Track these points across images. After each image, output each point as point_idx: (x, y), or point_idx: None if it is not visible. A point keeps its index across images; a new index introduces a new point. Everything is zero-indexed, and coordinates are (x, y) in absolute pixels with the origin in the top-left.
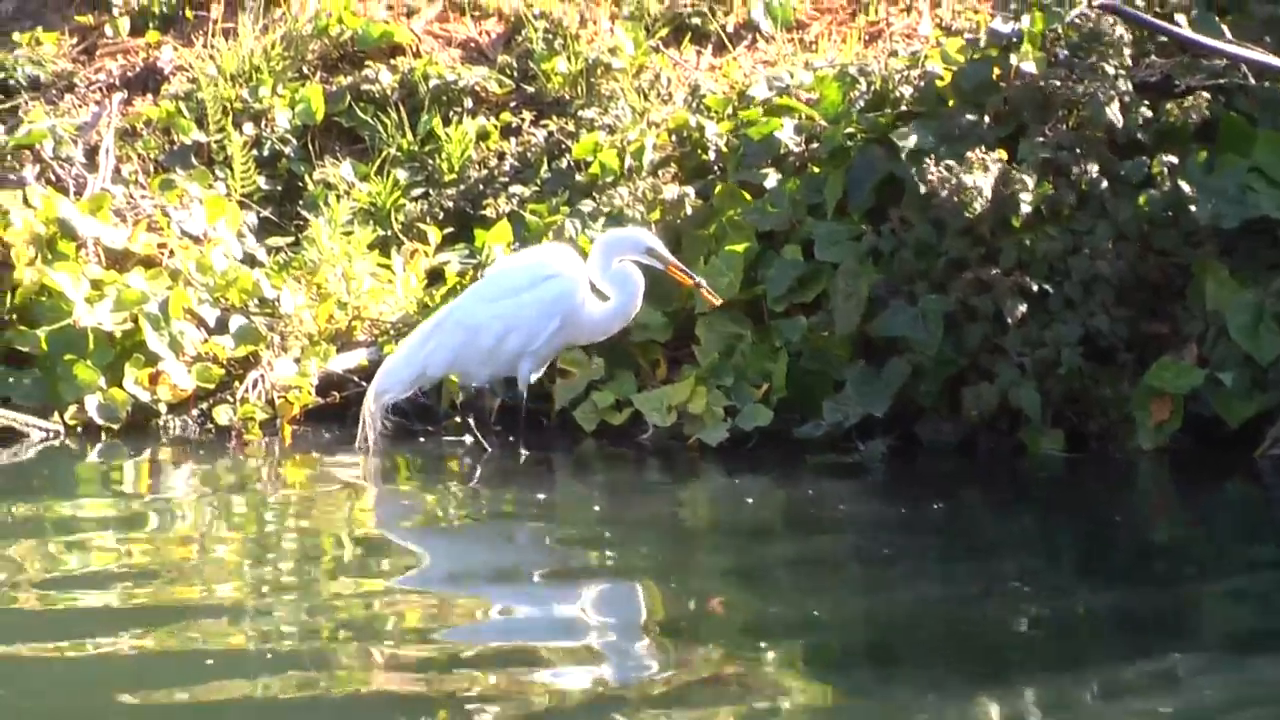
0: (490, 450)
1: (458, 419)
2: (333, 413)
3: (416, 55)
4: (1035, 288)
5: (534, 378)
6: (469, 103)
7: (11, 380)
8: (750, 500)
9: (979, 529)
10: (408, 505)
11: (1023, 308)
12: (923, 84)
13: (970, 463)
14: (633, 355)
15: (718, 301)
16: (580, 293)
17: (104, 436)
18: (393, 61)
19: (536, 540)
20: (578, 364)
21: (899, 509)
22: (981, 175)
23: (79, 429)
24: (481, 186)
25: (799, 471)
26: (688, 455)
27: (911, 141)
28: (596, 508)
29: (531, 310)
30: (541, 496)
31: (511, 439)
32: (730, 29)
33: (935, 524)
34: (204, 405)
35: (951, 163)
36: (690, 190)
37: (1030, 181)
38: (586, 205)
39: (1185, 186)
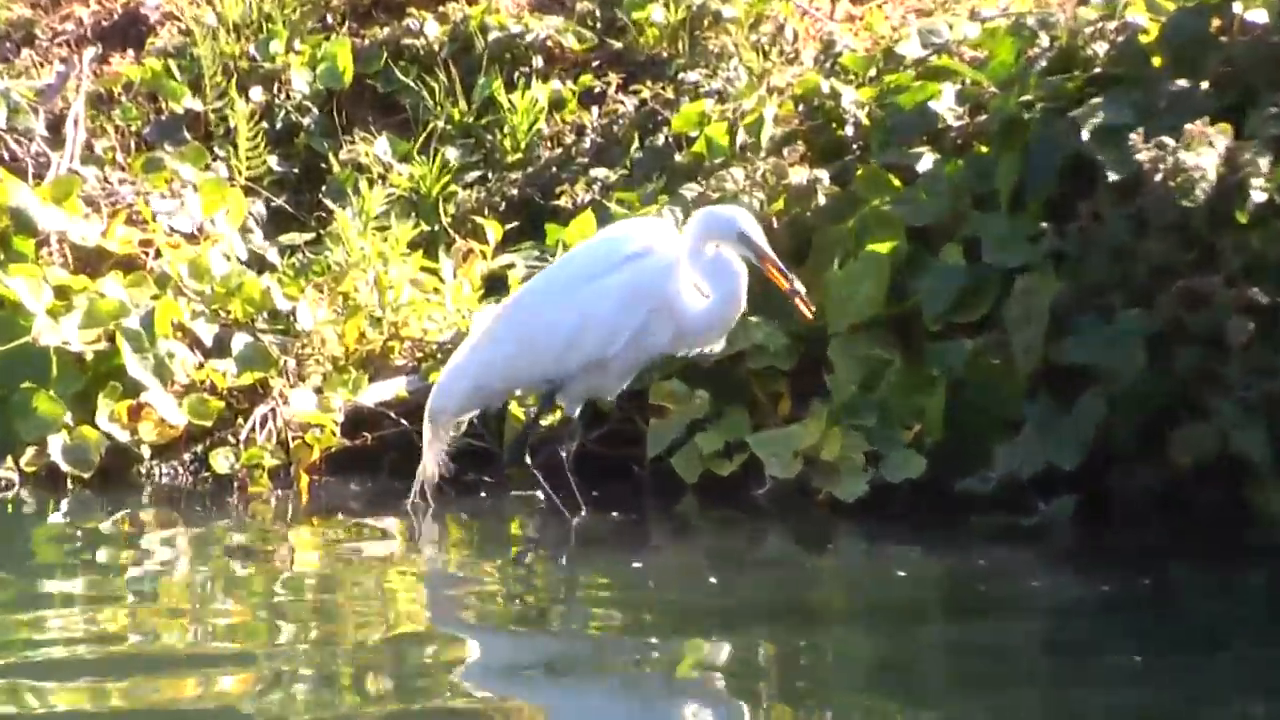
0: (579, 512)
1: (524, 464)
2: (363, 459)
3: (471, 1)
4: (1265, 301)
5: (577, 408)
6: (539, 62)
7: None
8: (900, 574)
9: (1194, 614)
10: (458, 584)
11: (1249, 327)
12: (1121, 40)
13: (1180, 526)
14: (747, 387)
15: (810, 315)
16: (676, 277)
17: (71, 487)
18: (441, 9)
19: (620, 631)
20: (676, 398)
21: (1091, 587)
22: (1207, 152)
23: (39, 477)
24: (554, 169)
25: (961, 536)
26: (817, 515)
27: (1105, 113)
28: (699, 586)
29: (611, 300)
30: (628, 571)
31: (595, 493)
32: None
33: (1137, 607)
34: (198, 448)
35: (1166, 139)
36: (822, 175)
37: (1264, 164)
38: (689, 191)
39: None
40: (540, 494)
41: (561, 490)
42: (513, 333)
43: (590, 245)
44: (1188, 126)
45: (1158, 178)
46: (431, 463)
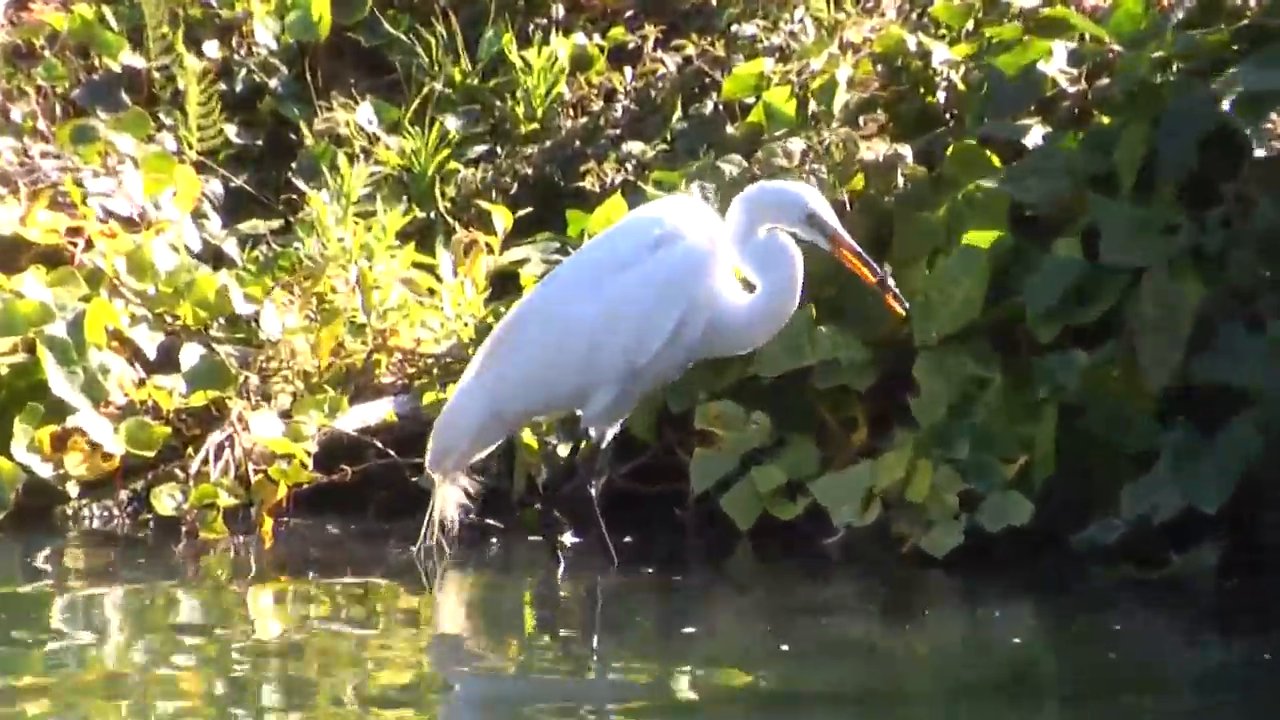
0: (610, 565)
1: (538, 506)
2: (341, 498)
3: None
4: None
5: (610, 431)
6: (559, 11)
7: None
8: (1006, 644)
9: None
10: (458, 659)
11: None
12: None
13: None
14: (815, 410)
15: (903, 311)
16: (714, 266)
17: None
18: None
19: (659, 713)
20: (727, 422)
21: (1241, 655)
22: None
23: None
24: (578, 143)
25: (1080, 594)
26: (900, 571)
27: (1253, 76)
28: (756, 664)
29: (640, 295)
30: (667, 645)
31: (627, 539)
32: None
33: None
34: (138, 484)
35: None
36: (907, 150)
37: None
38: (729, 166)
39: None
40: (565, 539)
41: (588, 536)
42: (527, 343)
43: (612, 233)
44: None
45: None
46: (449, 507)
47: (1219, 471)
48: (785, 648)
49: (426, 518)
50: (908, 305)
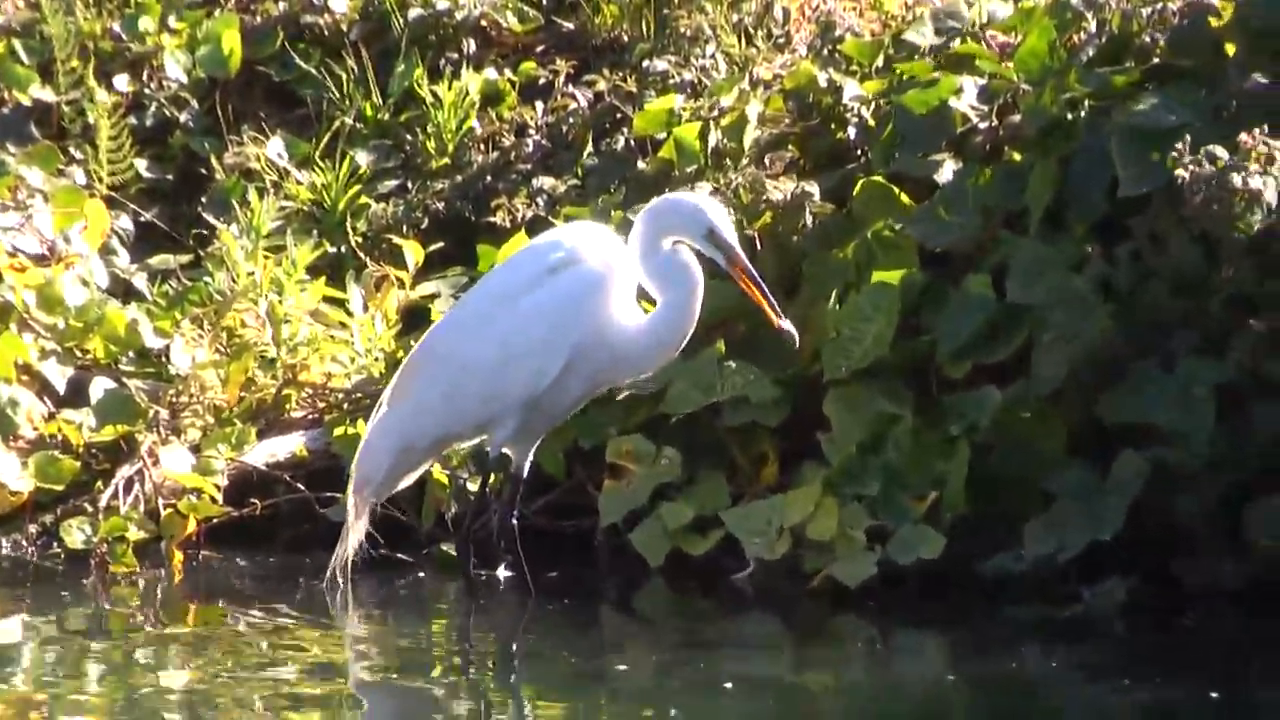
0: (529, 597)
1: (446, 547)
2: (251, 532)
3: None
4: None
5: (527, 458)
6: (470, 46)
7: None
8: (914, 680)
9: None
10: (369, 693)
11: None
12: (1186, 23)
13: (1261, 620)
14: (725, 446)
15: (796, 342)
16: (611, 290)
17: None
18: None
19: None
20: (638, 457)
21: (1149, 696)
22: (1258, 172)
23: None
24: (489, 178)
25: (989, 632)
26: (810, 604)
27: (1163, 114)
28: (665, 700)
29: (535, 323)
30: (576, 680)
31: (544, 574)
32: None
33: None
34: (47, 518)
35: (1216, 150)
36: (815, 188)
37: None
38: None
39: None
40: (500, 572)
41: (504, 570)
42: (430, 376)
43: (510, 261)
44: (1241, 137)
45: (1197, 199)
46: (352, 541)
47: (1114, 502)
48: (691, 687)
49: (337, 549)
50: (799, 339)
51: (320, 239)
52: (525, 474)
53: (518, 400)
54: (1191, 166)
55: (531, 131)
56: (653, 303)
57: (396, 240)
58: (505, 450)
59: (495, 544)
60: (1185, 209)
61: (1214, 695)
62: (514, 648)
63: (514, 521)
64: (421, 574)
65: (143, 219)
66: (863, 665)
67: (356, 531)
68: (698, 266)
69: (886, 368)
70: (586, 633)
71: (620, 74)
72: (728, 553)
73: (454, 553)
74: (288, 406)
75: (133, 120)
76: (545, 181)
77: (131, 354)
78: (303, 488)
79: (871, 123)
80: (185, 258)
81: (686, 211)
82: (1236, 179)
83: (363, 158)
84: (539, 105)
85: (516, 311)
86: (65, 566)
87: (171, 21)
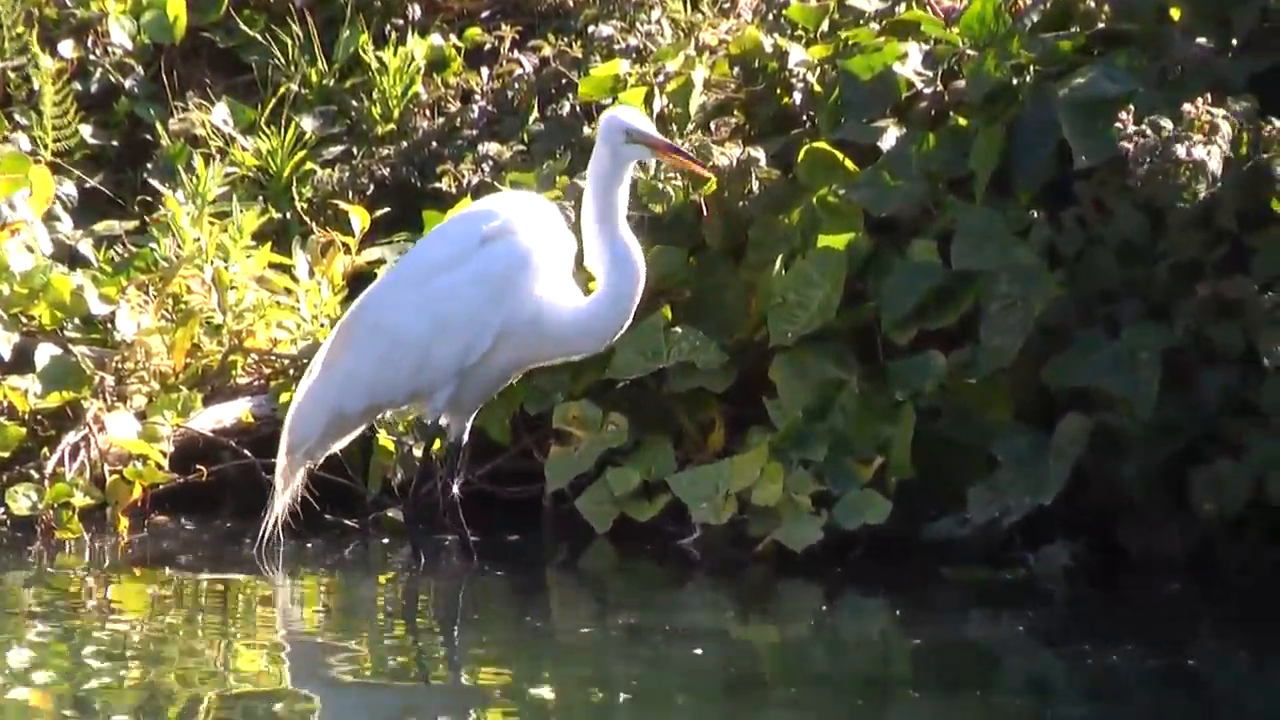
0: (470, 562)
1: (392, 513)
2: (197, 498)
3: None
4: None
5: (465, 426)
6: (415, 12)
7: None
8: (857, 644)
9: (1218, 698)
10: (316, 652)
11: None
12: None
13: (1205, 587)
14: (672, 412)
15: (706, 173)
16: (544, 263)
17: None
18: None
19: (505, 716)
20: (584, 423)
21: (1091, 660)
22: (1202, 141)
23: None
24: (434, 144)
25: (933, 595)
26: (756, 570)
27: (1107, 83)
28: (606, 659)
29: (465, 294)
30: (521, 639)
31: (479, 539)
32: None
33: (1148, 686)
34: None
35: (1161, 120)
36: (761, 154)
37: None
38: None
39: None
40: (418, 538)
41: (447, 535)
42: (361, 344)
43: (442, 229)
44: (1185, 106)
45: (1142, 169)
46: (281, 503)
47: (1055, 466)
48: (636, 644)
49: (266, 511)
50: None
51: (266, 205)
52: (464, 442)
53: (448, 372)
54: (1136, 137)
55: (477, 97)
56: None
57: (342, 206)
58: (443, 420)
59: (439, 512)
60: (1131, 179)
61: (1156, 659)
62: (458, 611)
63: (455, 490)
64: (367, 539)
65: (88, 185)
66: (808, 629)
67: (285, 494)
68: (640, 256)
69: (832, 333)
70: (532, 597)
71: (565, 39)
72: (674, 518)
73: (400, 518)
74: (233, 373)
75: (77, 86)
76: (491, 147)
77: (77, 320)
78: (248, 454)
79: (817, 88)
80: (130, 224)
81: (607, 128)
82: (1181, 149)
83: (308, 124)
84: (484, 71)
85: (447, 282)
86: (10, 533)
87: None
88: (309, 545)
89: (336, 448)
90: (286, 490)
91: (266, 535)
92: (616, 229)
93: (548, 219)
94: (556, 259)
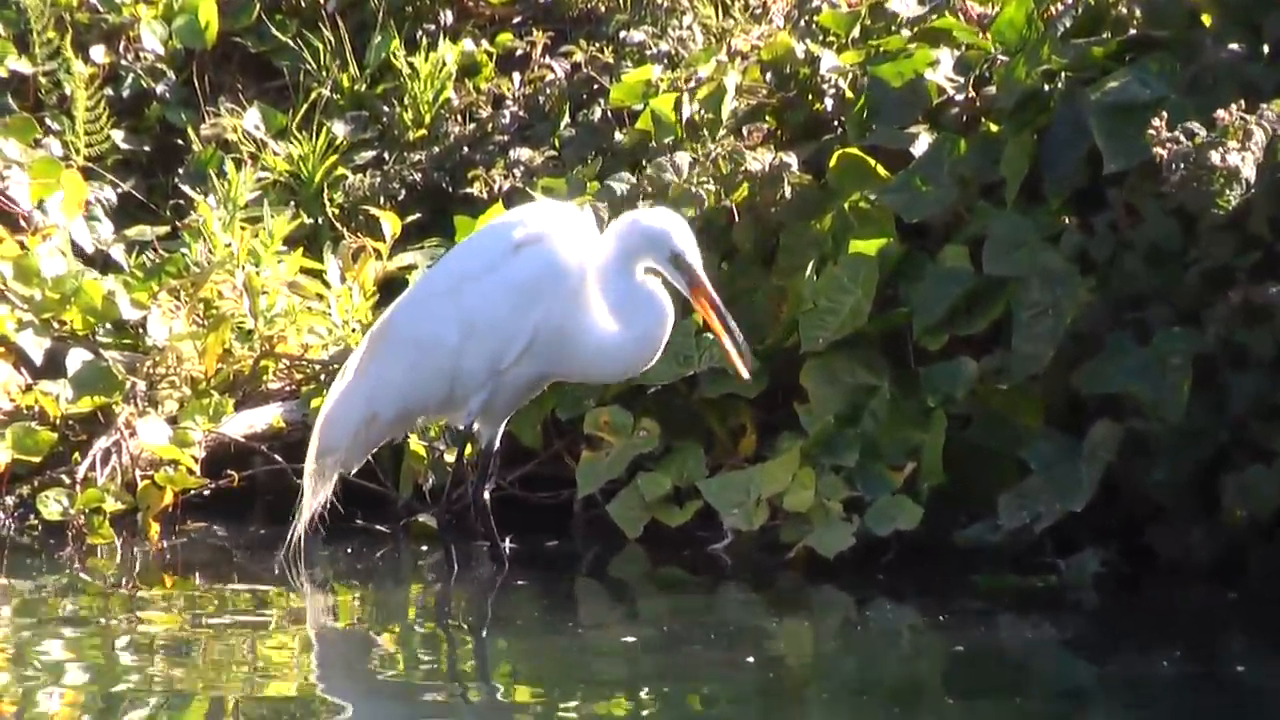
0: (501, 569)
1: (424, 518)
2: (228, 503)
3: None
4: None
5: (497, 432)
6: (447, 17)
7: None
8: (889, 651)
9: (1251, 704)
10: (347, 659)
11: None
12: None
13: (1235, 593)
14: (703, 417)
15: (746, 374)
16: (577, 272)
17: None
18: None
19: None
20: (615, 428)
21: (1122, 667)
22: (1236, 148)
23: None
24: (466, 149)
25: (965, 602)
26: (788, 576)
27: (1139, 88)
28: (639, 666)
29: (498, 301)
30: (552, 647)
31: (516, 546)
32: None
33: (1178, 693)
34: (24, 489)
35: (1193, 126)
36: (793, 159)
37: None
38: (619, 184)
39: None
40: (450, 544)
41: (479, 540)
42: (394, 352)
43: (475, 237)
44: (1219, 113)
45: (1176, 175)
46: (309, 509)
47: (1086, 473)
48: (667, 651)
49: (295, 517)
50: (752, 370)
51: (297, 210)
52: (496, 449)
53: (479, 380)
54: (1169, 143)
55: (508, 102)
56: None
57: (373, 211)
58: (475, 425)
59: (471, 517)
60: (1164, 185)
61: (1187, 666)
62: (489, 617)
63: (486, 495)
64: (399, 545)
65: (119, 190)
66: (839, 636)
67: (315, 500)
68: (667, 297)
69: (863, 339)
70: (563, 602)
71: (597, 45)
72: (705, 524)
73: (432, 524)
74: (265, 378)
75: (109, 91)
76: (522, 153)
77: (108, 325)
78: (280, 459)
79: (849, 94)
80: (162, 229)
81: (650, 236)
82: (1215, 156)
83: (340, 129)
84: (516, 76)
85: (478, 290)
86: (42, 539)
87: None
88: (340, 551)
89: (368, 455)
90: (316, 496)
91: (295, 540)
92: (635, 283)
93: (581, 229)
94: (589, 269)
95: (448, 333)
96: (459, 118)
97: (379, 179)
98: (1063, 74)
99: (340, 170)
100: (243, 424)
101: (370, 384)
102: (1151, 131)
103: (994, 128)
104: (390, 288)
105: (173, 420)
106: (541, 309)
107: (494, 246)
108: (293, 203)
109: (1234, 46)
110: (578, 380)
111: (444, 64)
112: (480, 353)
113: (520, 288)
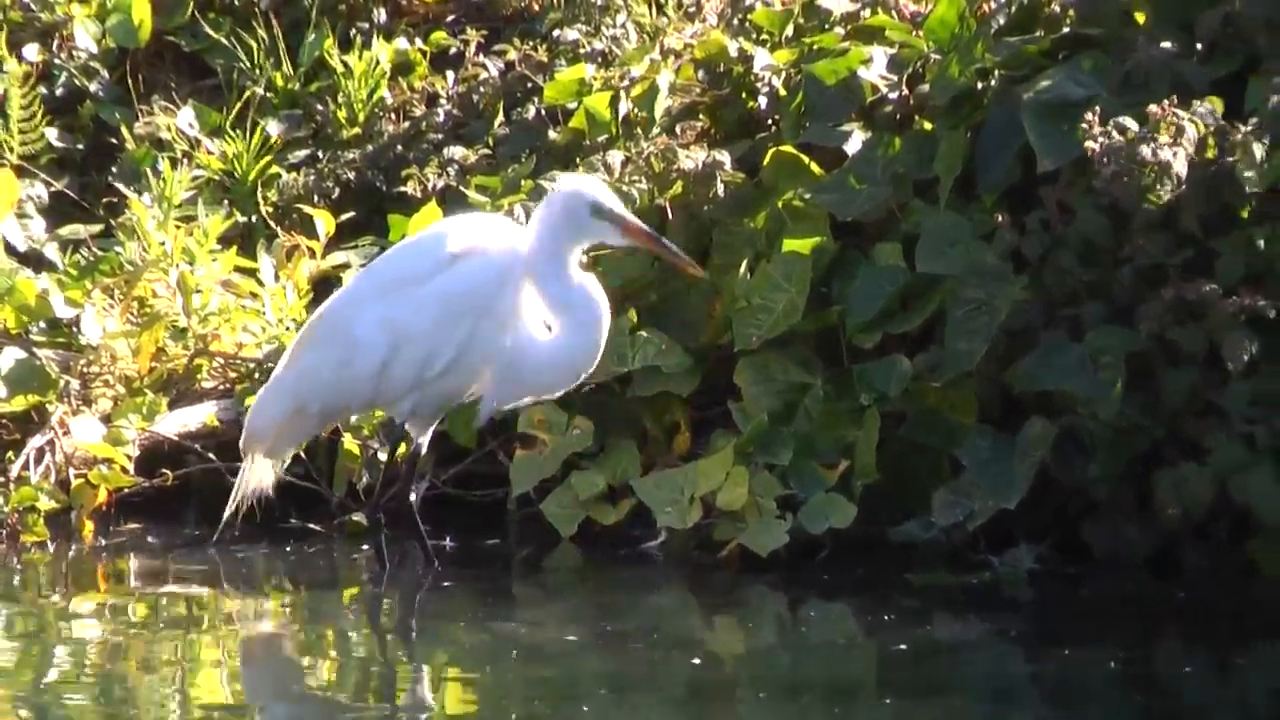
0: (432, 567)
1: (357, 517)
2: (162, 502)
3: None
4: (1272, 314)
5: (426, 434)
6: (381, 16)
7: None
8: (822, 647)
9: (1182, 701)
10: (279, 659)
11: (1253, 347)
12: None
13: (1169, 589)
14: (636, 416)
15: (699, 273)
16: (511, 283)
17: None
18: None
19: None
20: (549, 427)
21: (1054, 664)
22: (1168, 143)
23: None
24: (400, 148)
25: (898, 599)
26: (722, 574)
27: (1071, 86)
28: (572, 662)
29: (429, 311)
30: (484, 644)
31: (449, 541)
32: None
33: (1111, 689)
34: None
35: (1126, 121)
36: (727, 157)
37: (1260, 151)
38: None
39: None
40: (382, 542)
41: (410, 541)
42: (325, 347)
43: (403, 246)
44: (1151, 108)
45: (1108, 170)
46: (237, 494)
47: (1019, 470)
48: (601, 648)
49: (233, 492)
50: (702, 273)
51: (231, 209)
52: (425, 451)
53: (405, 385)
54: (1101, 139)
55: (442, 101)
56: None
57: (307, 210)
58: (405, 423)
59: (409, 518)
60: (1096, 181)
61: (1121, 662)
62: (420, 614)
63: (414, 496)
64: (333, 544)
65: (53, 188)
66: (774, 632)
67: (246, 489)
68: (603, 294)
69: (797, 337)
70: (497, 601)
71: (531, 43)
72: (639, 522)
73: (364, 522)
74: (199, 376)
75: (43, 90)
76: (456, 151)
77: (42, 324)
78: (214, 458)
79: (782, 92)
80: (96, 227)
81: (567, 199)
82: (1146, 151)
83: (274, 127)
84: (450, 75)
85: (411, 296)
86: None
87: None
88: (273, 550)
89: (296, 448)
90: (246, 487)
91: (227, 537)
92: (569, 278)
93: (510, 238)
94: (521, 276)
95: (377, 337)
96: (393, 116)
97: (313, 177)
98: (996, 72)
99: (274, 169)
100: (177, 423)
101: (298, 377)
102: (1084, 126)
103: (927, 126)
104: (324, 286)
105: (107, 419)
106: (470, 324)
107: (431, 254)
108: (227, 201)
109: (1167, 45)
110: (524, 398)
111: (378, 62)
112: (407, 360)
113: (451, 300)
